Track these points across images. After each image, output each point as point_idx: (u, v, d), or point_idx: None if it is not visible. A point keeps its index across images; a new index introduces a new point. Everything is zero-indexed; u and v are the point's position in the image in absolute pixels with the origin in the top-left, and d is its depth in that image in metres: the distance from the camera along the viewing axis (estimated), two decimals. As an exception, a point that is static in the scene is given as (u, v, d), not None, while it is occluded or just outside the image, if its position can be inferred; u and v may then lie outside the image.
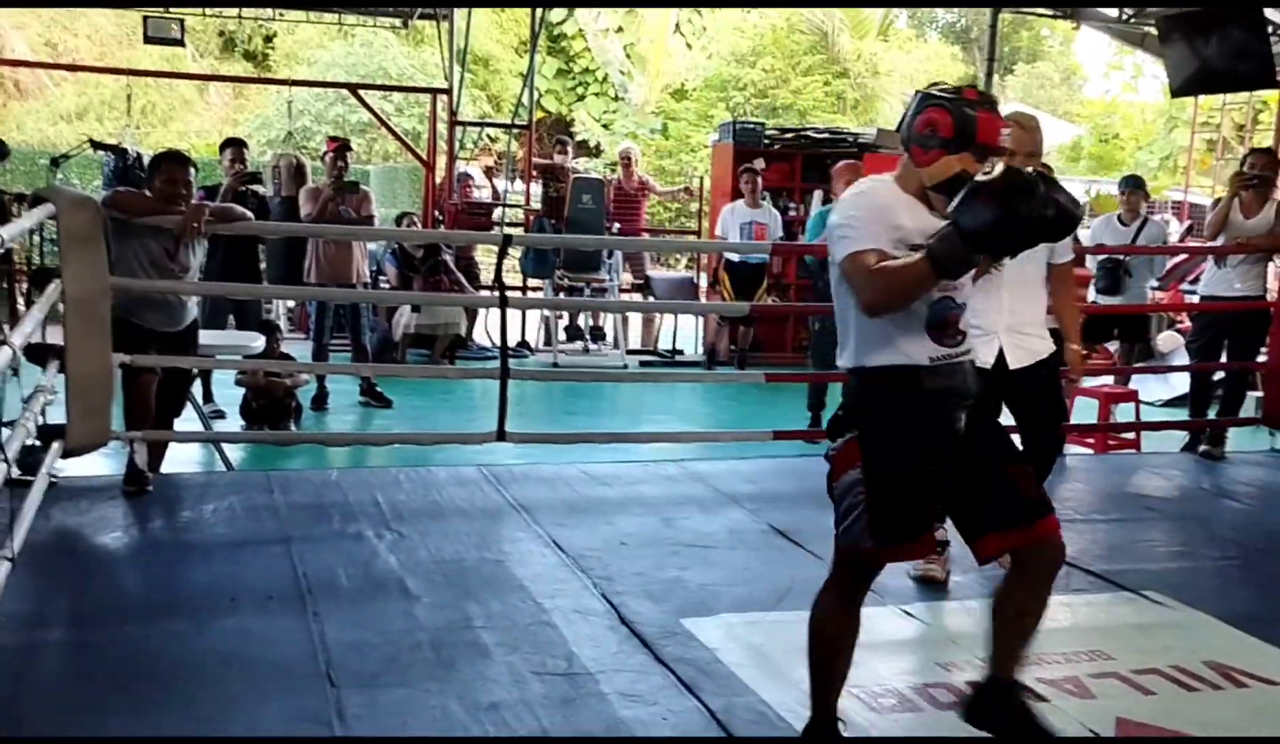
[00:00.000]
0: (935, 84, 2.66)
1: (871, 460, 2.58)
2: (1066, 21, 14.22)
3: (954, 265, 2.44)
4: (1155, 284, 11.34)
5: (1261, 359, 6.72)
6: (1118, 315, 7.72)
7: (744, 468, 5.75)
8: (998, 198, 2.38)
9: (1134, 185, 7.84)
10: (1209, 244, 6.80)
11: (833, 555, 2.72)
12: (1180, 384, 8.46)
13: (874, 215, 2.54)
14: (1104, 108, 27.94)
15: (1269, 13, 10.49)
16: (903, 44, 25.41)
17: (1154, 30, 11.74)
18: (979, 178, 2.47)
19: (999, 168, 2.46)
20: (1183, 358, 8.47)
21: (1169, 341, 9.85)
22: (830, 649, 2.69)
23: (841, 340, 2.67)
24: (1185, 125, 20.10)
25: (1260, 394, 6.77)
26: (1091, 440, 7.07)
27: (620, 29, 22.74)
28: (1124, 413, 7.31)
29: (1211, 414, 6.88)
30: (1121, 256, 7.51)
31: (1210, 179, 18.58)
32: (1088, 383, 7.52)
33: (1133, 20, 12.44)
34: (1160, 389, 8.96)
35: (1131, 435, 7.10)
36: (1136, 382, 8.37)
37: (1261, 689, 3.35)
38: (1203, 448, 6.57)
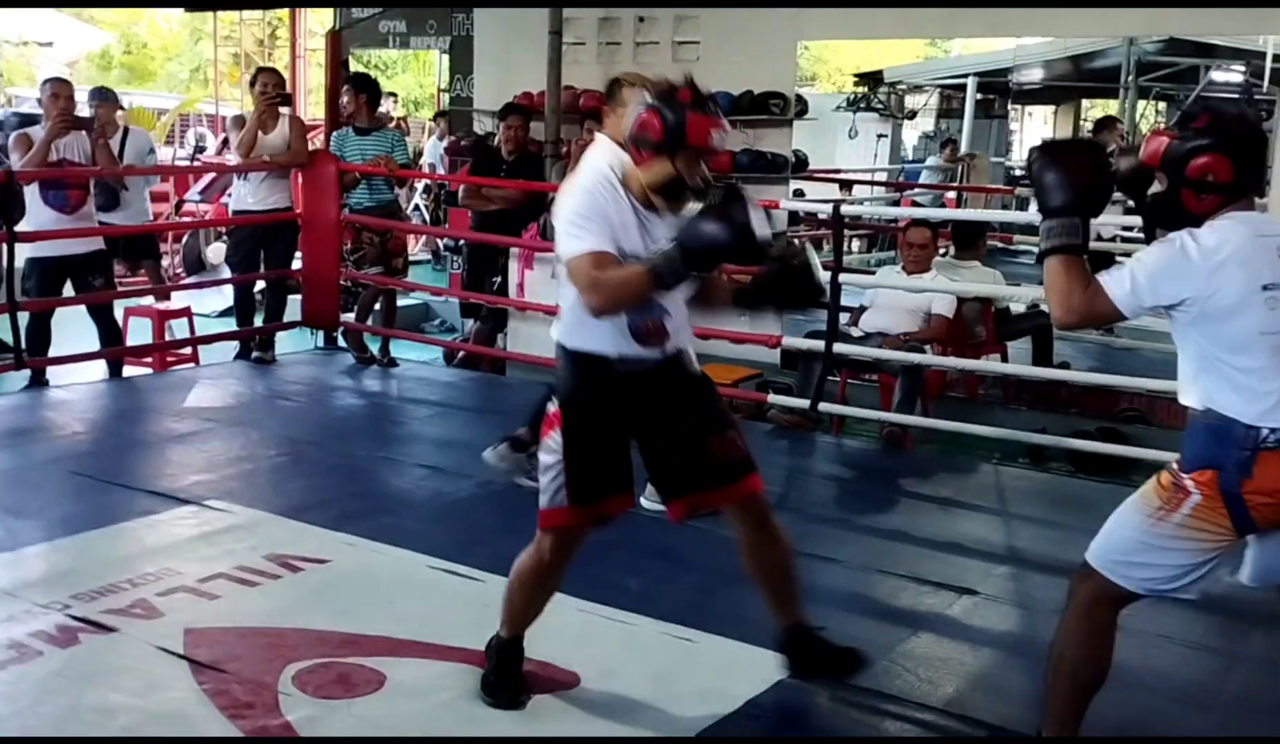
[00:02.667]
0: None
1: (569, 429, 2.76)
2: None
3: (674, 281, 2.63)
4: (198, 197, 11.58)
5: (297, 266, 7.30)
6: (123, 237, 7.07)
7: None
8: (722, 224, 2.56)
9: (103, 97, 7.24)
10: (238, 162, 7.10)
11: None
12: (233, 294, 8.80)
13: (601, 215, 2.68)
14: (131, 15, 27.24)
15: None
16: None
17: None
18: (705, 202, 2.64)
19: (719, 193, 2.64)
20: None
21: (218, 253, 10.15)
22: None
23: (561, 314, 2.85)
24: (208, 38, 20.49)
25: (300, 298, 7.33)
26: (150, 360, 7.07)
27: None
28: (180, 329, 7.41)
29: (259, 321, 7.29)
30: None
31: (241, 92, 19.27)
32: (139, 303, 7.48)
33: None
34: (214, 301, 9.23)
35: (189, 350, 7.24)
36: (192, 295, 8.54)
37: (314, 569, 3.75)
38: (254, 354, 6.97)
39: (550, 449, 2.80)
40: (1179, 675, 3.38)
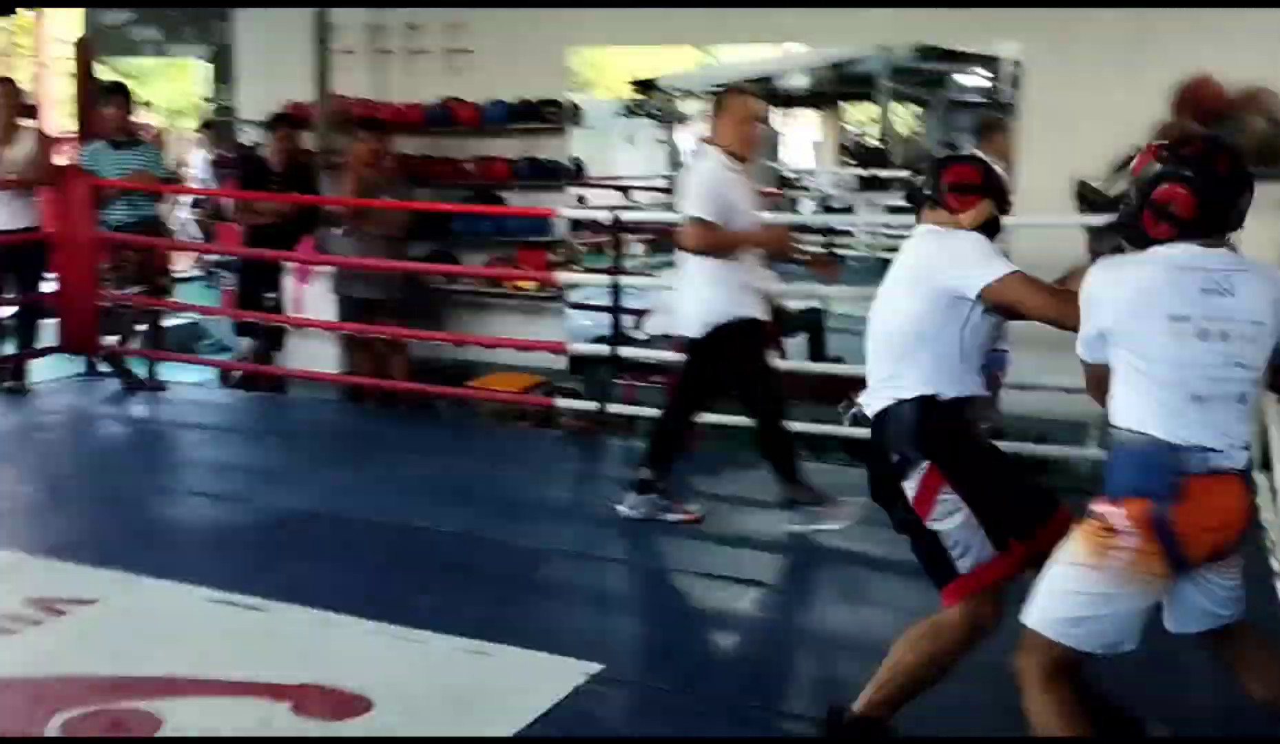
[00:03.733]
0: None
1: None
2: None
3: None
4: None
5: (53, 288, 6.82)
6: None
7: None
8: None
9: None
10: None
11: None
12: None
13: None
14: None
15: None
16: None
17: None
18: None
19: None
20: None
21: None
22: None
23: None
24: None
25: (57, 321, 6.86)
26: None
27: None
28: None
29: (9, 349, 6.79)
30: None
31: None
32: None
33: None
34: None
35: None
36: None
37: (81, 610, 3.52)
38: (5, 384, 6.49)
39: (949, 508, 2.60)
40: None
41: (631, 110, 15.77)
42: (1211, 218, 2.32)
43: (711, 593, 3.87)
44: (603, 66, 20.53)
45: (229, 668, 3.14)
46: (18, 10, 10.23)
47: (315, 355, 6.85)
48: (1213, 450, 2.27)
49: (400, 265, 6.41)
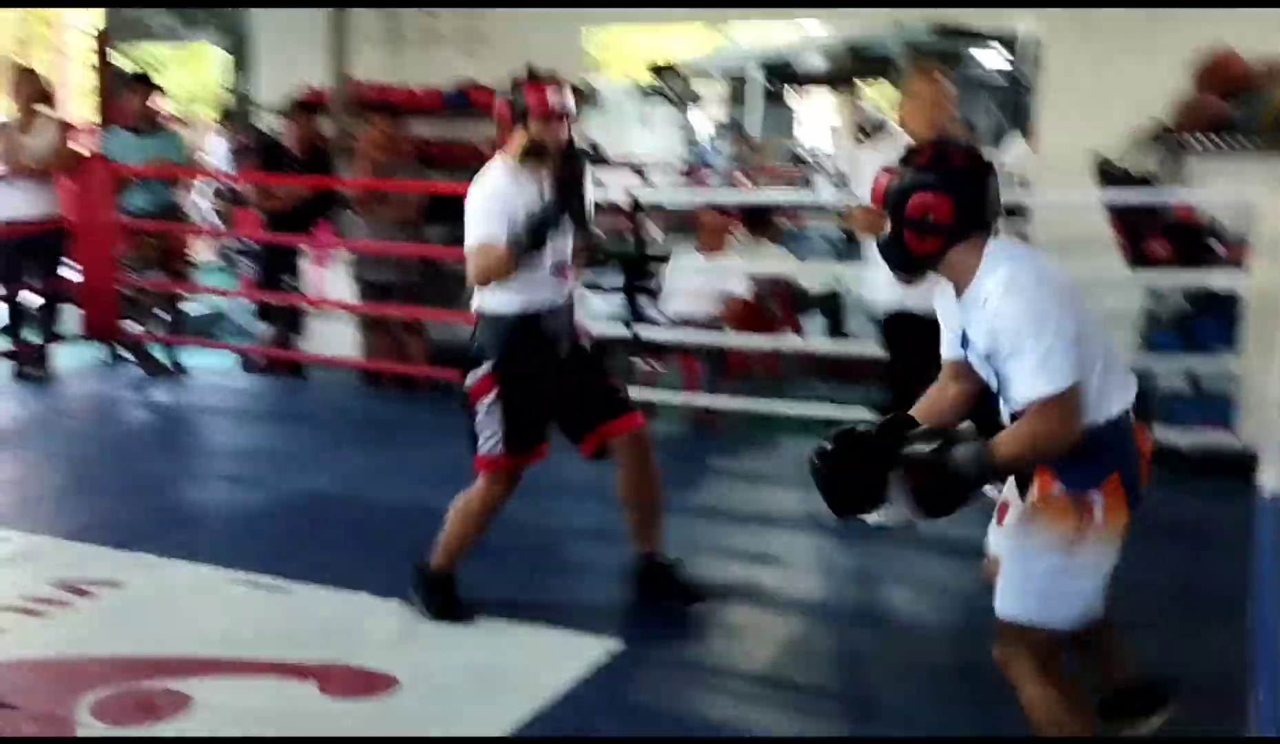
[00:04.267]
0: None
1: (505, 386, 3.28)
2: None
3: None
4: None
5: (75, 276, 6.87)
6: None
7: None
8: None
9: None
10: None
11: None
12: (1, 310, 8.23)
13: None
14: None
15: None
16: None
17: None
18: None
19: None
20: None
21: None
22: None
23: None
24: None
25: (79, 308, 6.91)
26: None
27: None
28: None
29: (32, 336, 6.84)
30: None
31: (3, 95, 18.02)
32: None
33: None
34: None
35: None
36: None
37: (107, 592, 3.56)
38: (29, 371, 6.55)
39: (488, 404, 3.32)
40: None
41: (647, 92, 15.74)
42: (974, 215, 2.30)
43: (732, 570, 3.88)
44: (617, 49, 20.49)
45: (255, 648, 3.17)
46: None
47: (334, 339, 6.89)
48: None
49: (416, 248, 6.43)
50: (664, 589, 3.49)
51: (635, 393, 5.84)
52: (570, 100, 3.36)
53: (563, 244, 3.36)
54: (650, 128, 15.22)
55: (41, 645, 3.19)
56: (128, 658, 3.11)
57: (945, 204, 2.28)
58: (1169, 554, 4.06)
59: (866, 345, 6.46)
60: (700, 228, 6.36)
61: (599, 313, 7.18)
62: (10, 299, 6.77)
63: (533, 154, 3.28)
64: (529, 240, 3.21)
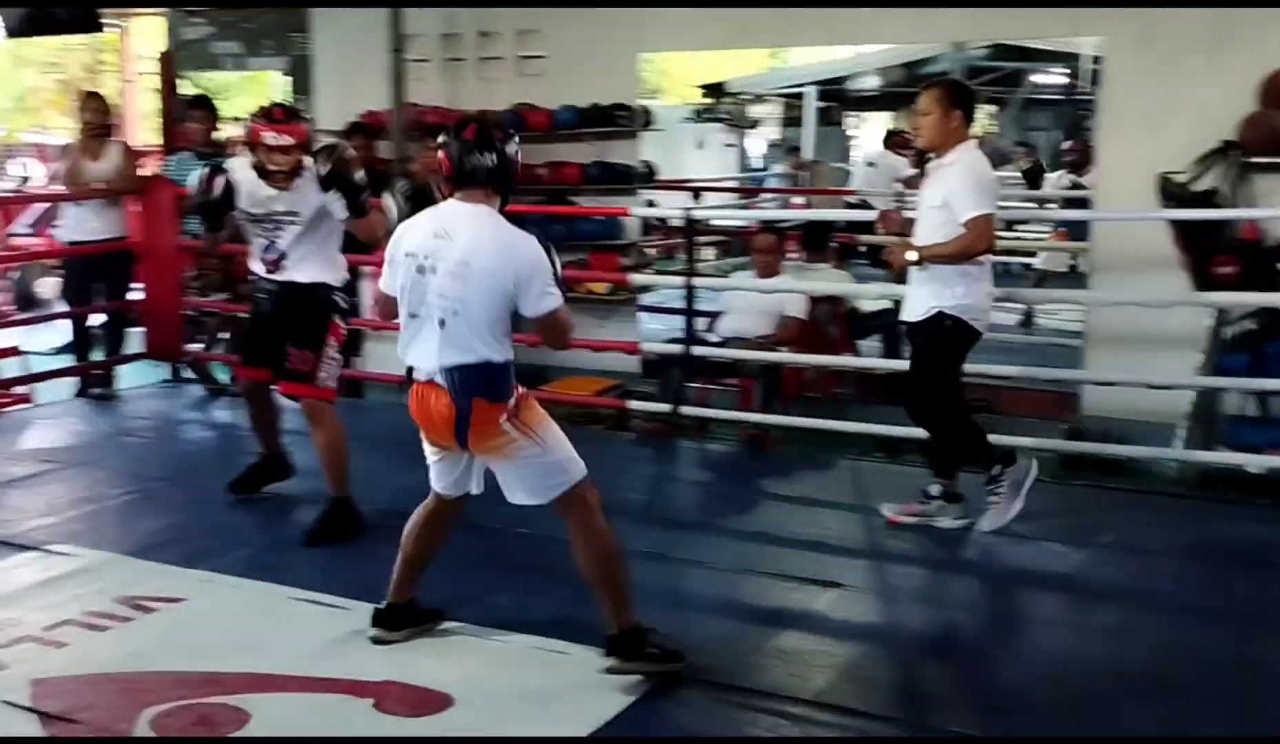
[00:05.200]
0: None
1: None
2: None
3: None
4: (28, 230, 11.05)
5: (134, 296, 7.01)
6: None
7: None
8: None
9: None
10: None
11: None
12: (69, 330, 8.41)
13: None
14: (-57, 43, 25.84)
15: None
16: None
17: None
18: None
19: None
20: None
21: (49, 288, 9.71)
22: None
23: None
24: (34, 66, 19.61)
25: (143, 330, 7.04)
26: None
27: None
28: (10, 369, 7.03)
29: (99, 355, 6.98)
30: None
31: (71, 120, 18.48)
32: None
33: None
34: (49, 338, 8.81)
35: (24, 389, 6.88)
36: (24, 333, 8.11)
37: (168, 609, 3.60)
38: (94, 390, 6.68)
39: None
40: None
41: (701, 114, 15.78)
42: (459, 174, 3.07)
43: (789, 594, 3.84)
44: (671, 71, 20.56)
45: (312, 665, 3.19)
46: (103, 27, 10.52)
47: (390, 359, 6.93)
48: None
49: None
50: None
51: (691, 412, 5.88)
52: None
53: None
54: (705, 150, 15.24)
55: (104, 660, 3.23)
56: (188, 673, 3.14)
57: (445, 163, 3.14)
58: (1237, 577, 3.97)
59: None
60: (754, 248, 6.35)
61: (655, 333, 7.19)
62: (77, 319, 6.92)
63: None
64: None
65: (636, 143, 7.42)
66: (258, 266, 4.45)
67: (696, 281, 5.83)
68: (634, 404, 5.99)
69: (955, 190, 4.16)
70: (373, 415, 6.84)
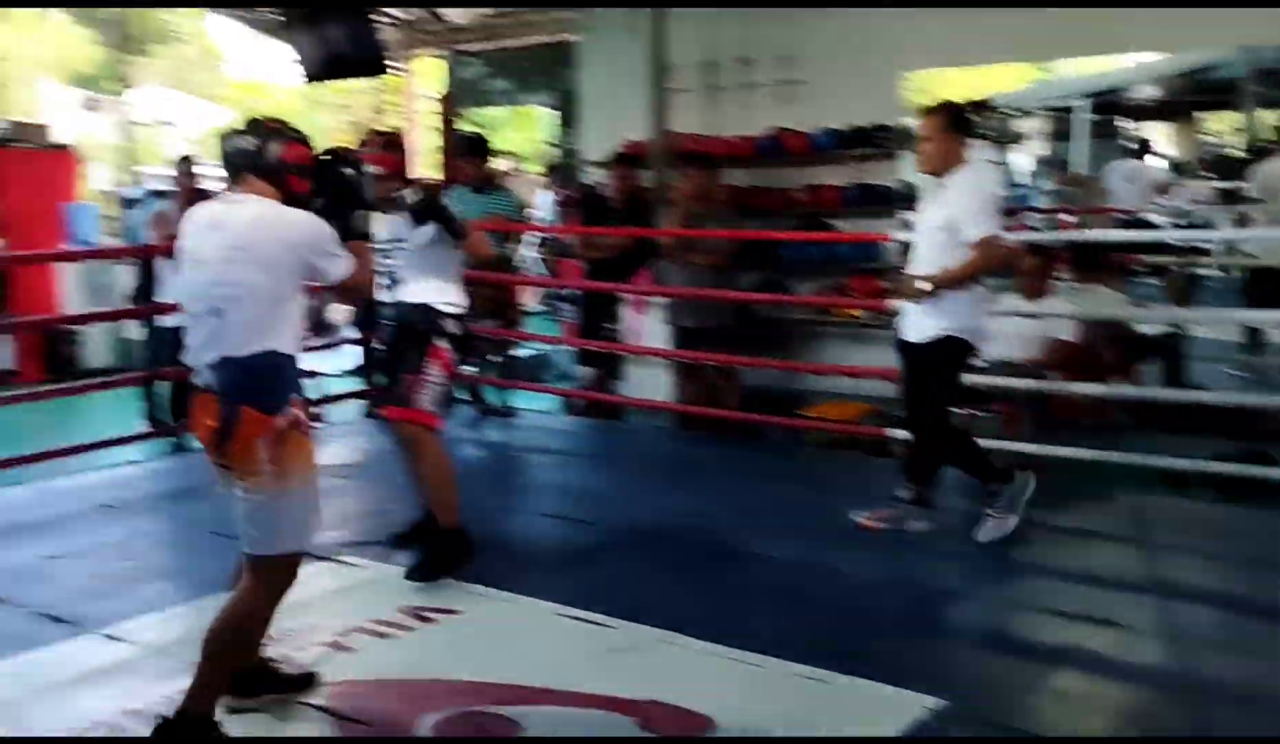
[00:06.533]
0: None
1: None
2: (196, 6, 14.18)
3: None
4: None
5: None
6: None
7: None
8: None
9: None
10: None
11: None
12: (356, 354, 9.04)
13: None
14: (249, 89, 28.41)
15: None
16: (23, 25, 23.31)
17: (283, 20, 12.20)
18: None
19: None
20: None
21: (340, 314, 10.45)
22: None
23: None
24: (326, 108, 21.26)
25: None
26: (279, 421, 7.27)
27: None
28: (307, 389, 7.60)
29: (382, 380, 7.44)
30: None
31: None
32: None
33: (259, 8, 12.78)
34: (338, 361, 9.49)
35: (317, 410, 7.43)
36: (317, 357, 8.78)
37: (446, 620, 3.81)
38: (374, 411, 7.12)
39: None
40: None
41: (969, 132, 15.32)
42: (229, 166, 2.96)
43: (1060, 630, 3.66)
44: (930, 89, 20.21)
45: (579, 680, 3.29)
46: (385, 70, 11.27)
47: (650, 383, 7.10)
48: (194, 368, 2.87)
49: (730, 295, 6.52)
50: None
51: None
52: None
53: None
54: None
55: (389, 666, 3.45)
56: (465, 682, 3.31)
57: None
58: None
59: (1209, 394, 5.99)
60: (1020, 270, 6.10)
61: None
62: (364, 343, 7.42)
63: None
64: None
65: (896, 163, 7.30)
66: (383, 294, 4.36)
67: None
68: (893, 431, 5.86)
69: (961, 210, 4.21)
70: (633, 438, 7.02)
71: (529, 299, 9.60)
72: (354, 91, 18.63)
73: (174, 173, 6.87)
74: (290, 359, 2.88)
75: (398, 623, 3.77)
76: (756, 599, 3.97)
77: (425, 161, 10.99)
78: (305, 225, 2.93)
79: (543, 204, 12.91)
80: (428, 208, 4.19)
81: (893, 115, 7.26)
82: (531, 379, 8.32)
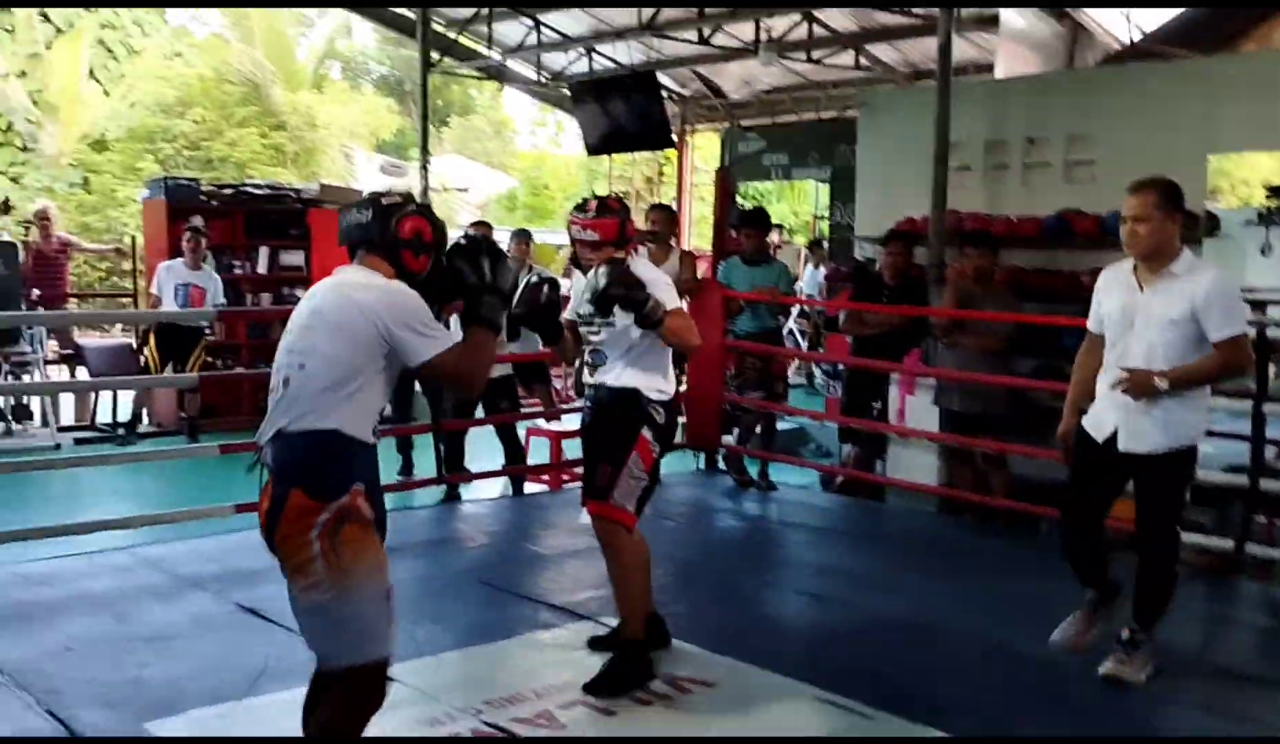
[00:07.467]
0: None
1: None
2: (493, 82, 15.10)
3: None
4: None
5: (682, 388, 7.55)
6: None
7: (206, 547, 5.47)
8: None
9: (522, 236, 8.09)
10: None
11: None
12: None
13: None
14: (533, 160, 29.92)
15: (663, 78, 11.89)
16: (337, 96, 25.47)
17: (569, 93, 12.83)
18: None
19: None
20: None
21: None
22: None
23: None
24: (604, 178, 22.06)
25: (684, 420, 7.57)
26: (547, 478, 7.52)
27: (24, 73, 20.61)
28: (572, 449, 7.83)
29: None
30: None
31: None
32: (538, 424, 7.99)
33: (551, 84, 13.51)
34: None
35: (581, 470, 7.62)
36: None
37: (702, 692, 3.78)
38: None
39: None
40: None
41: (1266, 217, 14.26)
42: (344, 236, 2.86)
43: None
44: (1228, 172, 18.93)
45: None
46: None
47: (914, 465, 6.89)
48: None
49: (1004, 380, 6.27)
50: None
51: (1256, 551, 5.24)
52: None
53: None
54: (1272, 257, 13.74)
55: (647, 732, 3.45)
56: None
57: None
58: None
59: None
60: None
61: (1209, 457, 6.51)
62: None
63: None
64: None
65: (1198, 250, 6.85)
66: (586, 373, 4.08)
67: (1269, 407, 5.20)
68: (1184, 535, 5.44)
69: (1209, 307, 3.71)
70: (894, 520, 6.82)
71: (790, 372, 9.56)
72: (632, 162, 19.26)
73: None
74: (354, 443, 2.59)
75: (656, 691, 3.76)
76: (1017, 698, 3.77)
77: (696, 232, 11.22)
78: (386, 290, 2.69)
79: (809, 279, 12.89)
80: (605, 294, 3.63)
81: (1196, 201, 6.82)
82: (790, 452, 8.25)
